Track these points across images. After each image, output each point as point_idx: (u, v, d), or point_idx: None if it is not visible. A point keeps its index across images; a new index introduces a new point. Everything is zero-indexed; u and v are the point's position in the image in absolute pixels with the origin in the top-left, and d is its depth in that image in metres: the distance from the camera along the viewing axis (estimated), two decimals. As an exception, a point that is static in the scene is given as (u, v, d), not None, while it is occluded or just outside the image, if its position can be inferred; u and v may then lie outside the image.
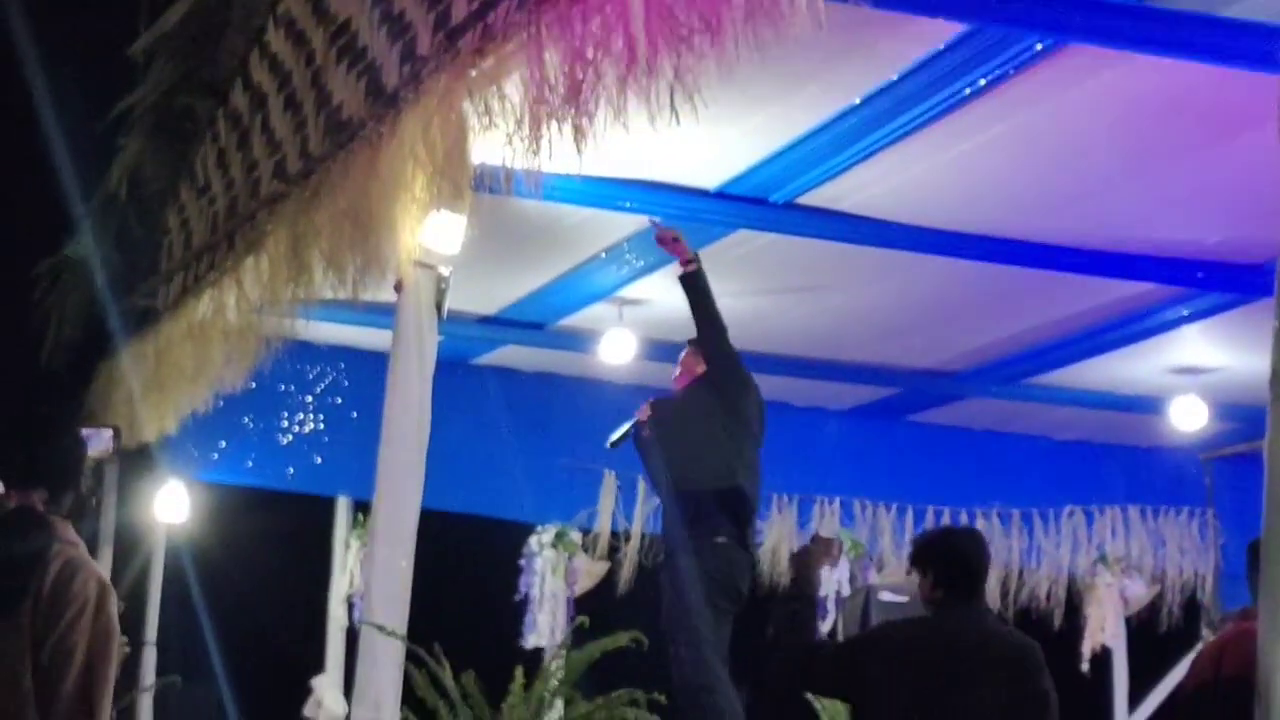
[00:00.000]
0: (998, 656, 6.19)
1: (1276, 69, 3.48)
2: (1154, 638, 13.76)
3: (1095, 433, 13.90)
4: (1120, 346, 11.49)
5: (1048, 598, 13.39)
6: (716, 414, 8.49)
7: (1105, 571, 13.80)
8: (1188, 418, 12.34)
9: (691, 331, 8.79)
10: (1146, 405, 12.57)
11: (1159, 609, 13.88)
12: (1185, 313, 10.71)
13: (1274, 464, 3.40)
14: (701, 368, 8.70)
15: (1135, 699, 13.79)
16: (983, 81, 7.30)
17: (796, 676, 6.45)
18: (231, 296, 8.52)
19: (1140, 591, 13.88)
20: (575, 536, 12.94)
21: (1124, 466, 14.17)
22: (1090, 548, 13.88)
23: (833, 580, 12.42)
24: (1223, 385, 11.93)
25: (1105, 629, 13.65)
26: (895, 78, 7.42)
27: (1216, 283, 10.04)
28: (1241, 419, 12.42)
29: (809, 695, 8.25)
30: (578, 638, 7.42)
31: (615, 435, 8.86)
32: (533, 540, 12.97)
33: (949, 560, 6.33)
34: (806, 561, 6.59)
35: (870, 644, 6.35)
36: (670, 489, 8.54)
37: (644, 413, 8.77)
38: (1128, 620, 13.83)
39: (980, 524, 13.14)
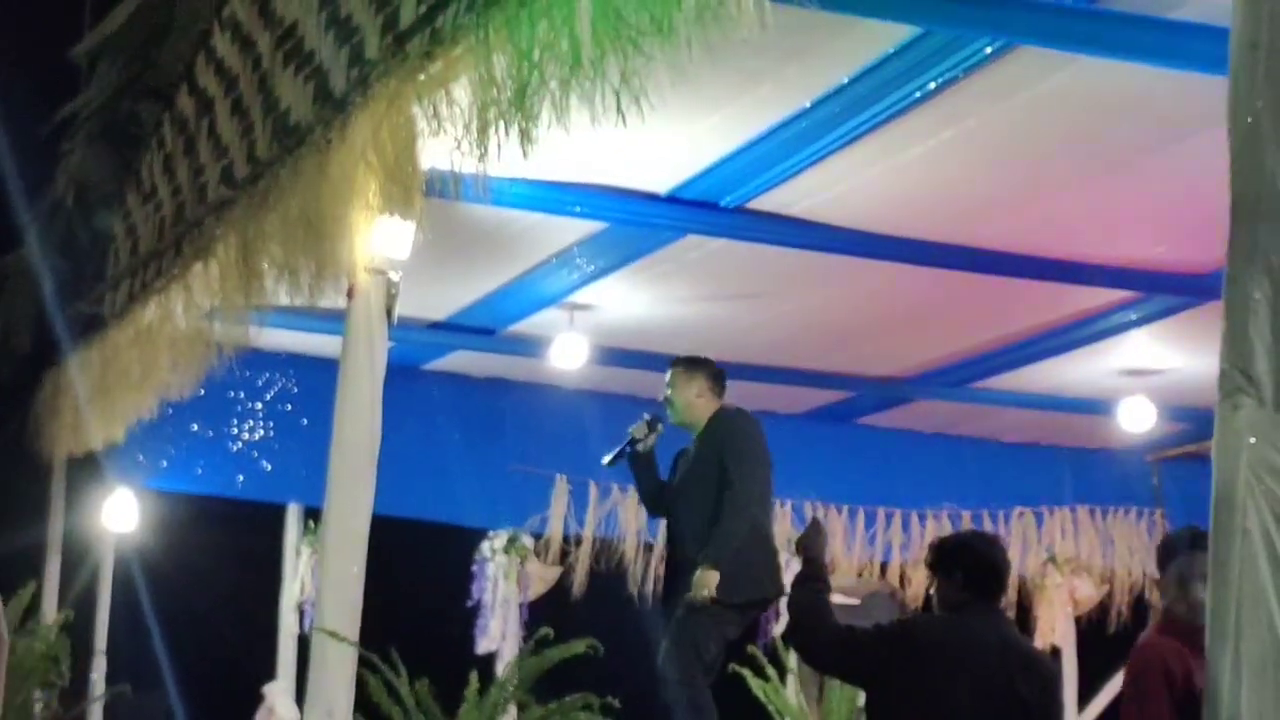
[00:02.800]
0: (1027, 664, 6.32)
1: (1224, 71, 3.48)
2: (1103, 637, 13.81)
3: (1044, 434, 13.95)
4: (1069, 350, 11.53)
5: (1000, 599, 13.41)
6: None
7: (1054, 572, 13.86)
8: (1136, 419, 12.39)
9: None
10: (1095, 407, 12.62)
11: (1108, 609, 13.94)
12: (1134, 316, 10.75)
13: (1221, 464, 3.39)
14: (696, 391, 8.64)
15: (1084, 699, 13.85)
16: (933, 85, 7.30)
17: (842, 657, 6.47)
18: (180, 303, 8.47)
19: (1089, 592, 13.94)
20: (527, 541, 12.92)
21: (1073, 468, 14.24)
22: (1040, 548, 13.93)
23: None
24: (1171, 387, 11.99)
25: (1055, 629, 13.71)
26: (845, 80, 7.41)
27: (1165, 287, 10.08)
28: (1189, 420, 12.49)
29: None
30: (538, 647, 7.40)
31: (610, 455, 8.81)
32: (485, 546, 12.94)
33: (978, 564, 6.38)
34: (815, 544, 6.62)
35: (903, 637, 6.34)
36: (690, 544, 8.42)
37: (640, 431, 8.71)
38: (1077, 620, 13.89)
39: (930, 526, 13.17)
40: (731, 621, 8.24)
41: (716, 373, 8.76)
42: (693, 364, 8.75)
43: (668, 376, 8.74)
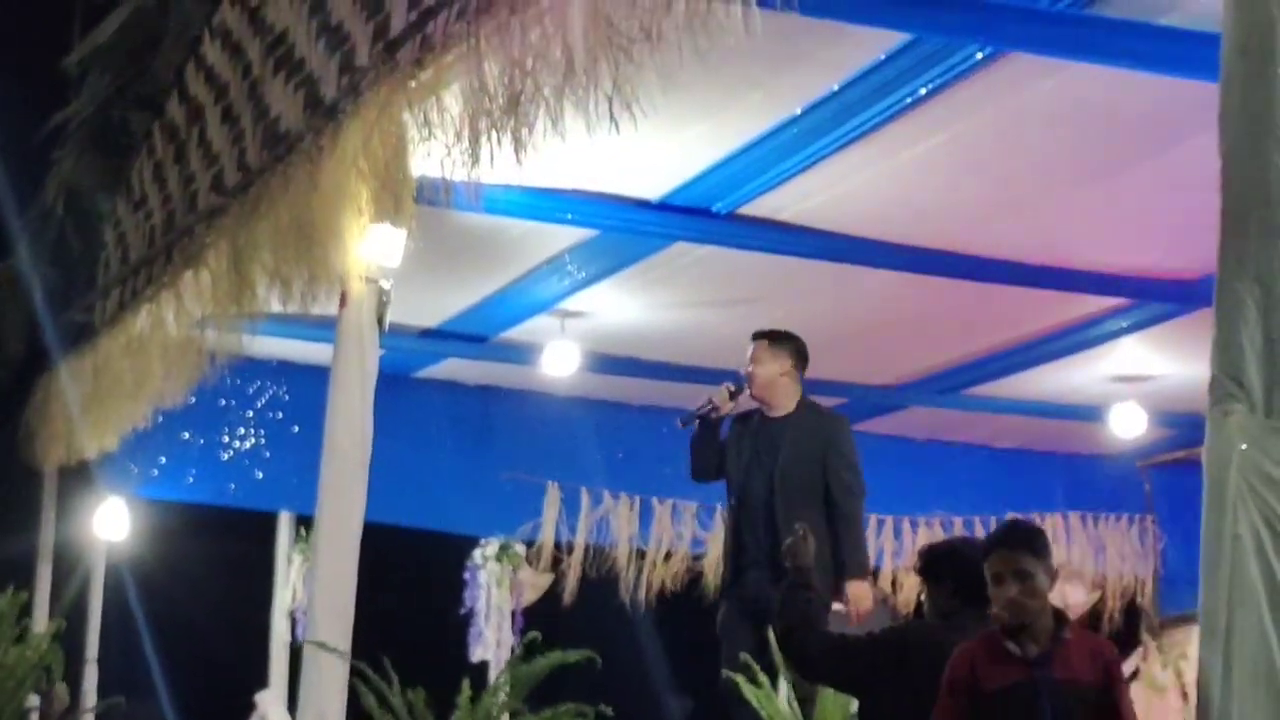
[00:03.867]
0: None
1: (1214, 77, 3.49)
2: (1095, 643, 13.82)
3: (1036, 441, 13.95)
4: (1061, 357, 11.53)
5: (989, 605, 13.40)
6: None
7: (1046, 578, 13.85)
8: (1127, 425, 12.40)
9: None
10: (1086, 413, 12.62)
11: (1100, 614, 13.94)
12: (1125, 323, 10.77)
13: (1212, 470, 3.40)
14: (780, 369, 8.53)
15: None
16: (923, 90, 7.32)
17: (836, 667, 6.46)
18: (171, 311, 8.46)
19: (1081, 597, 13.93)
20: (519, 549, 12.91)
21: (1064, 474, 14.24)
22: (1031, 555, 13.92)
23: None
24: (1162, 393, 11.99)
25: (1047, 636, 13.70)
26: (836, 87, 7.42)
27: (1156, 293, 10.09)
28: (1180, 426, 12.48)
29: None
30: (527, 651, 7.38)
31: (686, 417, 8.66)
32: (476, 553, 12.93)
33: (967, 571, 6.37)
34: (803, 552, 6.61)
35: (896, 646, 6.34)
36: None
37: (721, 397, 8.56)
38: (1069, 626, 13.89)
39: (922, 532, 13.17)
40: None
41: (802, 351, 8.55)
42: (779, 338, 8.54)
43: (751, 349, 8.57)
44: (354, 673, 6.94)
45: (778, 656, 7.71)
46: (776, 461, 8.39)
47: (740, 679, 8.01)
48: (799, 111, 7.70)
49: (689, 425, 8.59)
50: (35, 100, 10.72)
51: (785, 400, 8.47)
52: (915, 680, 6.14)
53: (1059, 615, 5.31)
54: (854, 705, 7.51)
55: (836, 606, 8.21)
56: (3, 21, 11.54)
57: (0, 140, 10.99)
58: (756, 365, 8.45)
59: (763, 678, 8.02)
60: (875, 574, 13.40)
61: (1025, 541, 5.35)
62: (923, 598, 6.58)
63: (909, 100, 7.42)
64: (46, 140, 10.57)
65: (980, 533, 13.43)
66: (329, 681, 6.96)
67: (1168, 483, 13.64)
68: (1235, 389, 3.35)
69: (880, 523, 13.50)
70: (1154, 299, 10.23)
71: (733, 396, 8.50)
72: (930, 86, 7.29)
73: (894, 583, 13.52)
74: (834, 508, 8.28)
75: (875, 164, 8.22)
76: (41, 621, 11.61)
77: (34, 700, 10.81)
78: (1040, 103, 7.53)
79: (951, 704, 5.40)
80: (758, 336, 8.54)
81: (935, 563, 6.44)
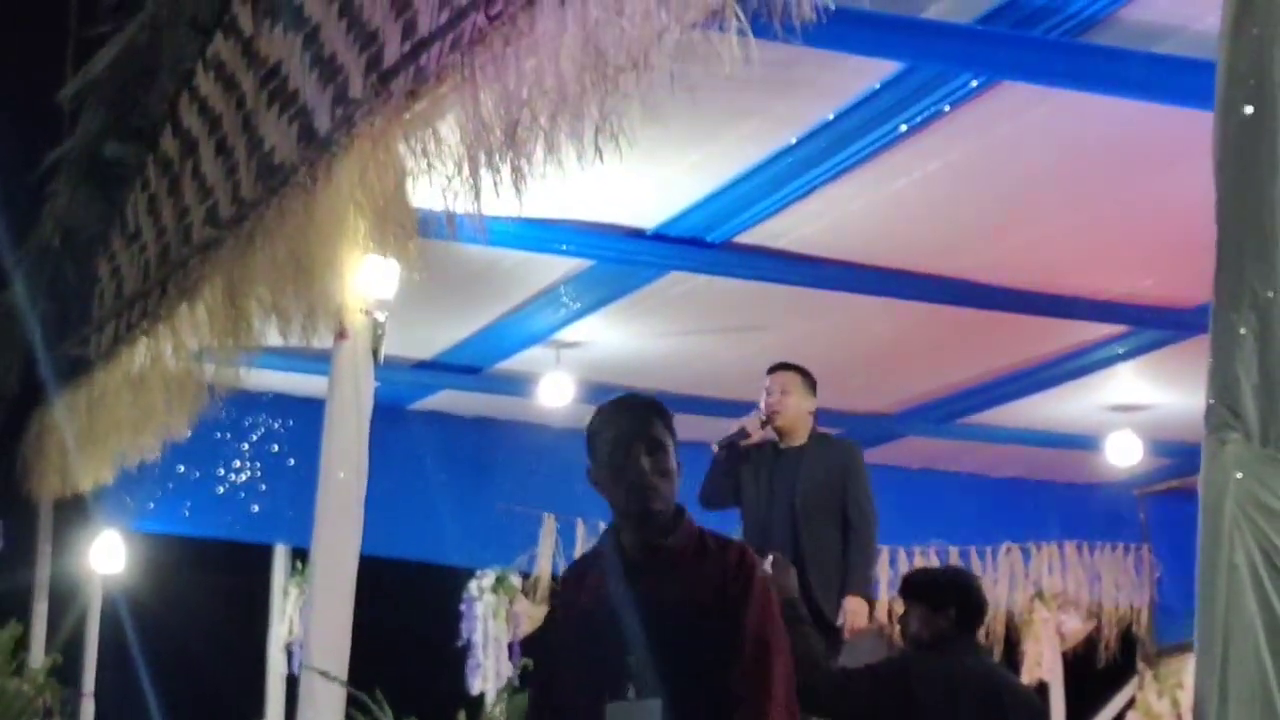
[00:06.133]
0: (1016, 699, 6.36)
1: (1209, 105, 3.49)
2: (1091, 672, 13.80)
3: (1031, 470, 13.94)
4: (1056, 385, 11.53)
5: (986, 634, 13.36)
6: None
7: (1042, 607, 13.84)
8: (1123, 454, 12.39)
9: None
10: (1082, 442, 12.62)
11: (1095, 643, 13.92)
12: (1120, 350, 10.77)
13: (1208, 499, 3.39)
14: (810, 407, 8.60)
15: (1074, 734, 13.84)
16: (918, 119, 7.33)
17: (838, 700, 6.45)
18: (168, 345, 8.45)
19: (1076, 626, 13.93)
20: (515, 580, 12.89)
21: (1060, 503, 14.23)
22: (1027, 584, 13.91)
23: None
24: (1157, 422, 11.99)
25: (1042, 664, 13.68)
26: (831, 116, 7.44)
27: (1152, 321, 10.09)
28: (1176, 455, 12.49)
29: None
30: (523, 681, 7.38)
31: (722, 442, 8.70)
32: (472, 585, 12.90)
33: (970, 598, 6.41)
34: (789, 583, 6.60)
35: (899, 676, 6.33)
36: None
37: (753, 425, 8.62)
38: (1064, 655, 13.87)
39: (918, 561, 13.15)
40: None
41: (816, 390, 8.73)
42: (809, 376, 8.65)
43: (779, 380, 8.60)
44: (350, 704, 6.92)
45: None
46: (795, 491, 8.46)
47: None
48: (793, 140, 7.71)
49: (722, 451, 8.67)
50: (30, 135, 10.73)
51: (804, 433, 8.58)
52: (920, 711, 6.14)
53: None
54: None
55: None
56: (-3, 59, 11.58)
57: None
58: (788, 396, 8.55)
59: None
60: (872, 605, 13.39)
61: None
62: (913, 624, 6.55)
63: (904, 128, 7.44)
64: (42, 175, 10.57)
65: (976, 563, 13.45)
66: (326, 713, 6.95)
67: (1164, 512, 13.65)
68: (1231, 418, 3.34)
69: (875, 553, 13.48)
70: (1150, 326, 10.24)
71: (763, 426, 8.60)
72: (924, 115, 7.31)
73: (890, 613, 13.47)
74: (851, 532, 8.37)
75: (870, 192, 8.24)
76: (38, 655, 11.60)
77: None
78: (1034, 130, 7.54)
79: None
80: (786, 368, 8.62)
81: (939, 589, 6.44)
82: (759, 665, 4.43)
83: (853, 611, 8.24)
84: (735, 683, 4.38)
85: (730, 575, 4.53)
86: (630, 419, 4.64)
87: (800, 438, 8.59)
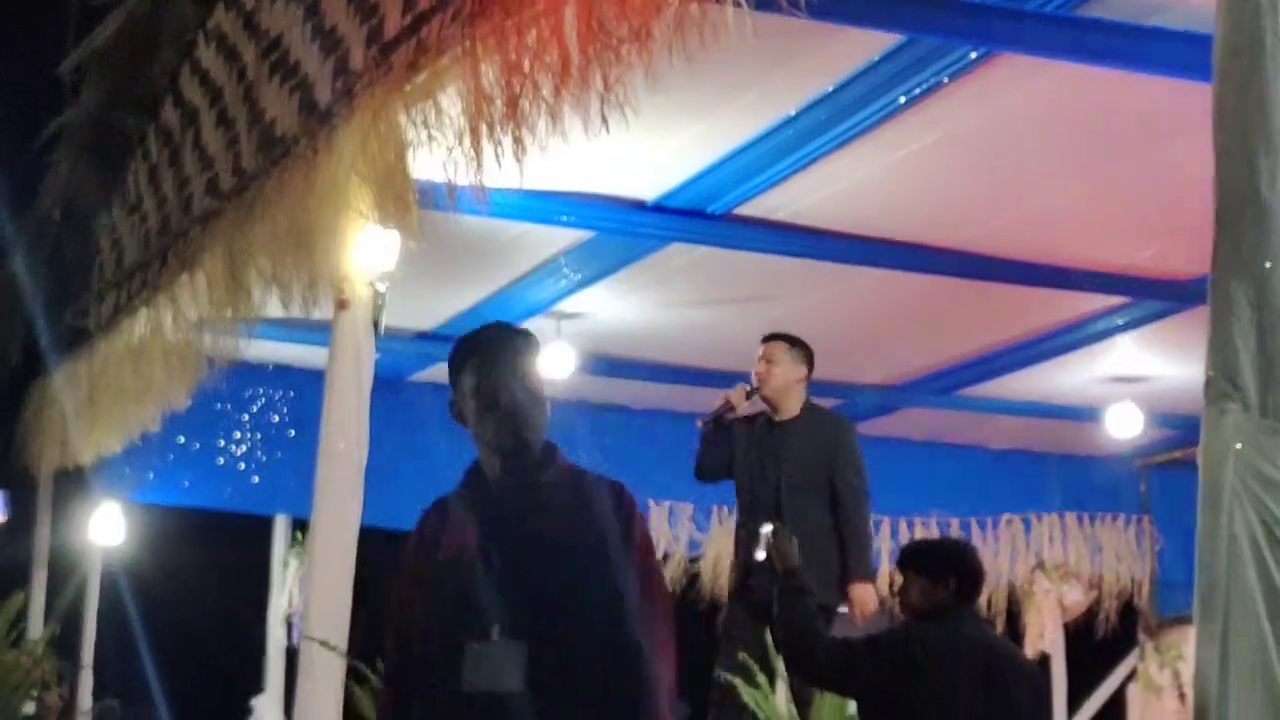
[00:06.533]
0: (1018, 668, 6.40)
1: (1207, 77, 3.49)
2: (1091, 643, 13.83)
3: (1032, 442, 13.96)
4: (1056, 356, 11.53)
5: (987, 605, 13.40)
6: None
7: (1043, 578, 13.86)
8: (1124, 426, 12.38)
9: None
10: (1083, 414, 12.62)
11: (1096, 615, 13.94)
12: (1120, 322, 10.77)
13: (1208, 470, 3.40)
14: (798, 376, 8.54)
15: (1074, 704, 13.85)
16: (917, 91, 7.34)
17: (842, 673, 6.46)
18: (167, 315, 8.45)
19: (1078, 598, 13.94)
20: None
21: (1061, 474, 14.23)
22: (1028, 555, 13.93)
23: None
24: (1158, 393, 11.99)
25: (1043, 636, 13.71)
26: (831, 88, 7.44)
27: (1152, 292, 10.10)
28: (1177, 426, 12.50)
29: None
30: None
31: (708, 417, 8.65)
32: (472, 556, 12.91)
33: (968, 568, 6.44)
34: (790, 552, 6.61)
35: (901, 647, 6.34)
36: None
37: (738, 397, 8.56)
38: (1065, 626, 13.89)
39: (919, 533, 13.16)
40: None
41: (813, 359, 8.64)
42: (800, 345, 8.53)
43: (767, 350, 8.55)
44: (350, 676, 6.94)
45: (779, 661, 7.70)
46: (783, 465, 8.41)
47: (739, 681, 8.01)
48: (794, 112, 7.71)
49: (707, 426, 8.60)
50: (32, 106, 10.72)
51: (794, 404, 8.49)
52: (922, 682, 6.15)
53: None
54: (851, 708, 7.51)
55: (841, 609, 8.22)
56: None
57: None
58: (774, 366, 8.45)
59: (761, 678, 8.02)
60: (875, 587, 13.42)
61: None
62: (912, 594, 6.56)
63: (903, 100, 7.44)
64: (43, 146, 10.56)
65: (977, 534, 13.46)
66: (325, 684, 6.96)
67: (1165, 483, 13.67)
68: (1230, 388, 3.35)
69: (877, 524, 13.47)
70: (1150, 297, 10.24)
71: (749, 396, 8.51)
72: (924, 87, 7.31)
73: (891, 585, 13.48)
74: (841, 510, 8.31)
75: (870, 164, 8.24)
76: (37, 627, 11.62)
77: (29, 706, 10.83)
78: (1033, 103, 7.55)
79: None
80: (776, 338, 8.54)
81: (937, 560, 6.45)
82: (646, 611, 4.25)
83: (861, 600, 8.20)
84: (619, 627, 4.19)
85: (610, 515, 4.33)
86: (498, 346, 4.50)
87: (791, 410, 8.50)
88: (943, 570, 6.38)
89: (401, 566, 4.63)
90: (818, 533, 8.21)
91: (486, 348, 4.52)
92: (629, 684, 4.18)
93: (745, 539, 8.53)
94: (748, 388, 8.48)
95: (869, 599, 8.17)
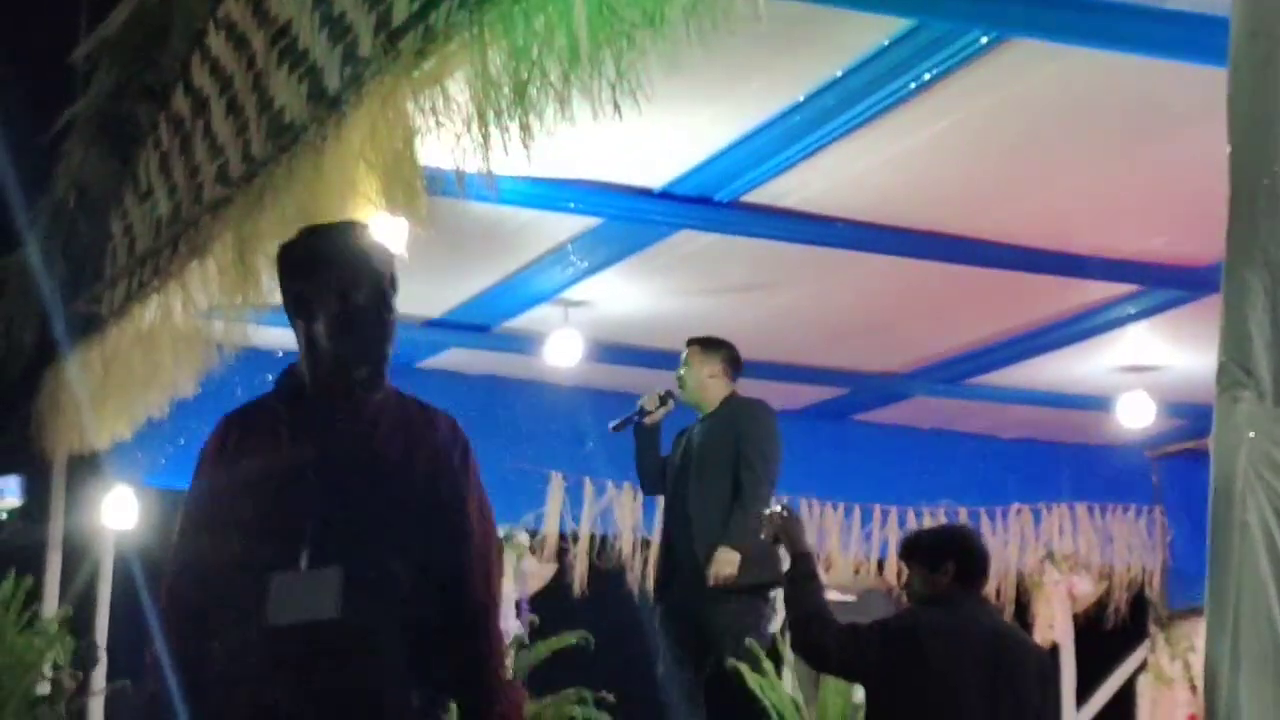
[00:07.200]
0: (1025, 652, 6.42)
1: (1222, 62, 3.47)
2: (1101, 634, 13.80)
3: (1042, 431, 13.92)
4: (1067, 345, 11.51)
5: (996, 595, 13.38)
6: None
7: (1053, 569, 13.82)
8: (1135, 415, 12.34)
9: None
10: (1094, 403, 12.58)
11: (1106, 606, 13.91)
12: (1132, 310, 10.74)
13: (1220, 459, 3.38)
14: (710, 372, 8.55)
15: (1083, 696, 13.84)
16: (927, 76, 7.30)
17: (850, 658, 6.46)
18: (178, 302, 8.46)
19: (1088, 589, 13.91)
20: (523, 538, 12.91)
21: (1071, 464, 14.19)
22: (1038, 545, 13.89)
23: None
24: (1170, 383, 11.96)
25: (1053, 626, 13.67)
26: (839, 73, 7.41)
27: (1164, 280, 10.07)
28: (1189, 416, 12.46)
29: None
30: (531, 637, 7.43)
31: (617, 421, 8.71)
32: (479, 542, 12.92)
33: (970, 554, 6.46)
34: (800, 535, 6.63)
35: (908, 632, 6.35)
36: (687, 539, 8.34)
37: (651, 402, 8.60)
38: (1075, 617, 13.86)
39: (928, 522, 13.14)
40: (757, 608, 8.16)
41: (733, 357, 8.66)
42: (710, 344, 8.65)
43: (684, 354, 8.65)
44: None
45: (786, 647, 7.71)
46: (692, 455, 8.42)
47: (744, 668, 8.02)
48: (802, 98, 7.69)
49: (620, 430, 8.64)
50: (44, 95, 10.73)
51: (713, 400, 8.52)
52: (928, 666, 6.17)
53: None
54: (857, 694, 7.52)
55: (837, 597, 8.23)
56: (11, 18, 11.55)
57: (10, 135, 11.01)
58: (685, 369, 8.54)
59: (767, 664, 8.04)
60: (880, 565, 13.41)
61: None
62: (915, 584, 6.58)
63: (913, 86, 7.41)
64: (56, 134, 10.57)
65: (986, 524, 13.44)
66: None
67: (1177, 473, 13.63)
68: (1243, 376, 3.32)
69: (885, 513, 13.49)
70: (1162, 285, 10.21)
71: (663, 402, 8.57)
72: (934, 72, 7.28)
73: (899, 574, 13.45)
74: (738, 490, 8.22)
75: (879, 150, 8.21)
76: (53, 610, 11.66)
77: (44, 687, 10.87)
78: (1045, 88, 7.52)
79: None
80: (691, 342, 8.67)
81: (935, 549, 6.49)
82: (471, 542, 4.08)
83: (720, 560, 8.06)
84: (444, 556, 3.99)
85: (444, 445, 4.16)
86: (373, 254, 4.22)
87: (711, 405, 8.54)
88: (940, 557, 6.43)
89: (193, 485, 4.23)
90: (719, 521, 8.16)
91: (361, 250, 4.23)
92: (453, 614, 3.96)
93: (665, 538, 8.55)
94: (661, 392, 8.55)
95: (727, 562, 8.06)
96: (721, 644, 8.10)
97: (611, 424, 8.76)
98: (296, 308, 4.25)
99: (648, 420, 8.60)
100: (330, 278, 4.15)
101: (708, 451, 8.41)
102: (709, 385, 8.56)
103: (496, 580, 4.11)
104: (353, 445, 4.02)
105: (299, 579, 3.85)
